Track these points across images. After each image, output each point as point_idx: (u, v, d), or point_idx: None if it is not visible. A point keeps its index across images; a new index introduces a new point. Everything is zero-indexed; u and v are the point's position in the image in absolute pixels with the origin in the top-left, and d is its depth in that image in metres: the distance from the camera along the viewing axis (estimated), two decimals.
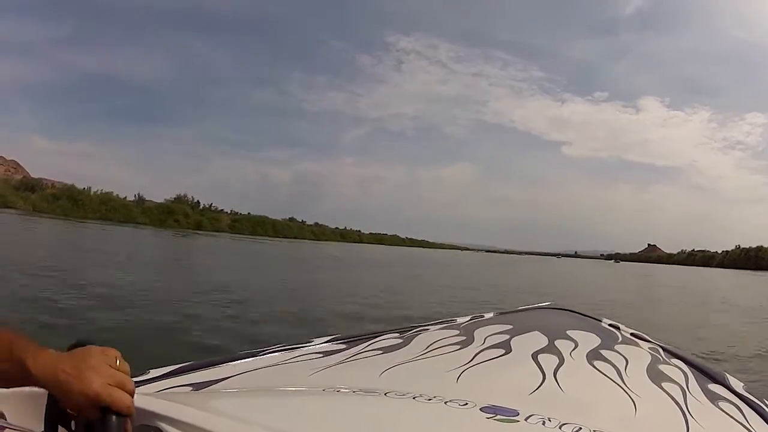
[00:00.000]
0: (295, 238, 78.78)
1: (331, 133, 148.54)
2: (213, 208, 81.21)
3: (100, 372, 0.68)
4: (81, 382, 0.66)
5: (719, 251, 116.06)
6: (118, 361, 0.73)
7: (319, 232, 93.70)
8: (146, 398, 0.90)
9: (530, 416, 0.97)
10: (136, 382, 1.09)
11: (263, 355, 1.51)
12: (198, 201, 78.66)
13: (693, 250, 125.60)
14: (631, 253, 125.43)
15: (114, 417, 0.68)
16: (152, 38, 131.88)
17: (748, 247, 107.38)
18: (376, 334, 1.75)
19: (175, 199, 74.53)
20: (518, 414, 0.98)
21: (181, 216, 69.22)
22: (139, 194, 73.02)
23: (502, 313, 2.11)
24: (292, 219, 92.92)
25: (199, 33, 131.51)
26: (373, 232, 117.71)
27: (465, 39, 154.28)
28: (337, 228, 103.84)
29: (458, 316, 2.01)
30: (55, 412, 0.73)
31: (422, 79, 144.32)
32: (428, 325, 1.91)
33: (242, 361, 1.44)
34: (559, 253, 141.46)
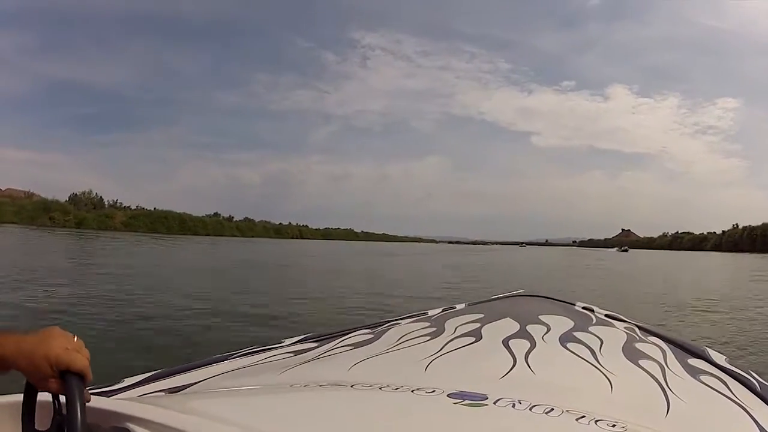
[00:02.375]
0: (210, 235, 68.71)
1: (299, 132, 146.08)
2: (119, 205, 71.53)
3: (59, 339, 0.77)
4: (43, 347, 0.75)
5: (708, 232, 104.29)
6: (75, 338, 0.80)
7: (247, 228, 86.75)
8: (116, 401, 0.92)
9: (499, 399, 0.98)
10: (108, 391, 1.21)
11: (235, 358, 1.52)
12: (101, 198, 72.46)
13: (677, 232, 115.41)
14: (605, 239, 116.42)
15: (74, 377, 0.76)
16: (119, 45, 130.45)
17: (749, 225, 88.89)
18: (347, 331, 1.76)
19: (70, 197, 67.19)
20: (487, 398, 0.98)
21: (59, 213, 60.67)
22: (29, 191, 66.86)
23: (473, 303, 2.14)
24: (216, 214, 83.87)
25: (166, 38, 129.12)
26: (342, 227, 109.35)
27: (430, 33, 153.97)
28: (281, 224, 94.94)
29: (430, 309, 2.03)
30: (30, 405, 0.81)
31: (388, 74, 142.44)
32: (399, 318, 1.93)
33: (215, 365, 1.45)
34: (528, 241, 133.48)
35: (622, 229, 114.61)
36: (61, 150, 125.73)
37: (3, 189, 70.71)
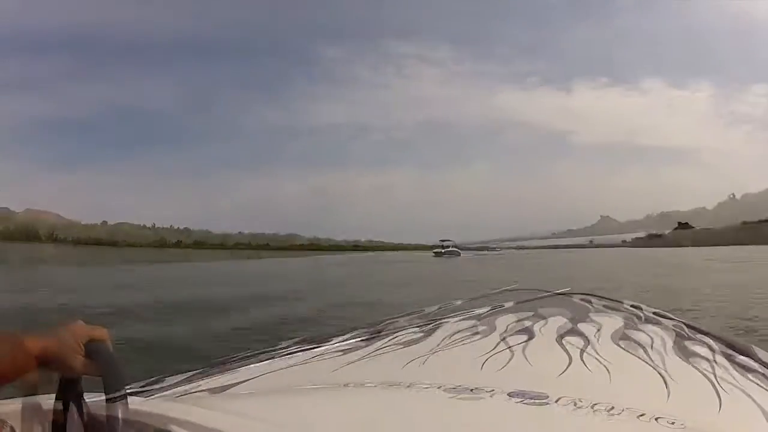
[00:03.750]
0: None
1: (338, 145, 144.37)
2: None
3: (78, 323, 0.86)
4: (67, 331, 0.83)
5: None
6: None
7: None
8: (157, 402, 0.93)
9: (560, 398, 0.97)
10: (149, 390, 1.18)
11: (281, 357, 1.50)
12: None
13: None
14: (660, 234, 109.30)
15: (99, 343, 0.82)
16: (161, 69, 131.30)
17: None
18: (396, 330, 1.75)
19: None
20: (548, 397, 0.97)
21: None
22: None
23: (521, 302, 2.12)
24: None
25: (200, 59, 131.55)
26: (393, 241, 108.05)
27: (462, 38, 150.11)
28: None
29: (478, 308, 2.03)
30: (65, 400, 0.84)
31: (423, 82, 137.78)
32: (449, 317, 1.92)
33: (260, 363, 1.43)
34: (571, 245, 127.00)
35: (679, 223, 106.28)
36: (98, 171, 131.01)
37: (36, 210, 75.65)
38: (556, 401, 0.96)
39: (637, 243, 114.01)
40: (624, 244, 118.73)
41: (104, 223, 79.87)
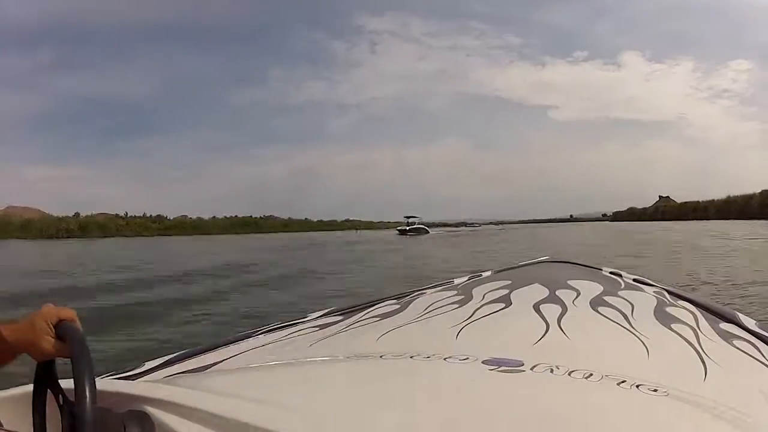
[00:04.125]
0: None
1: (316, 124, 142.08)
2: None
3: (47, 305, 0.86)
4: (36, 315, 0.84)
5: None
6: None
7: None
8: (131, 383, 0.91)
9: (536, 365, 0.95)
10: (129, 375, 1.19)
11: (259, 335, 1.50)
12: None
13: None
14: (643, 209, 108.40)
15: (66, 323, 0.83)
16: (131, 55, 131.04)
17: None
18: (372, 303, 1.74)
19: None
20: (523, 364, 0.95)
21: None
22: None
23: (499, 271, 2.12)
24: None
25: (176, 43, 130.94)
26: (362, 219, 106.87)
27: (436, 13, 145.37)
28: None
29: (456, 278, 2.02)
30: (41, 385, 0.85)
31: (399, 58, 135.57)
32: (425, 288, 1.91)
33: (238, 343, 1.43)
34: (550, 218, 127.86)
35: (660, 196, 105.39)
36: (85, 164, 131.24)
37: (19, 206, 74.68)
38: (532, 368, 0.94)
39: (618, 216, 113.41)
40: (604, 218, 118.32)
41: (77, 214, 77.53)
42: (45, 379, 0.84)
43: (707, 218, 72.71)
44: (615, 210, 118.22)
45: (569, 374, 0.91)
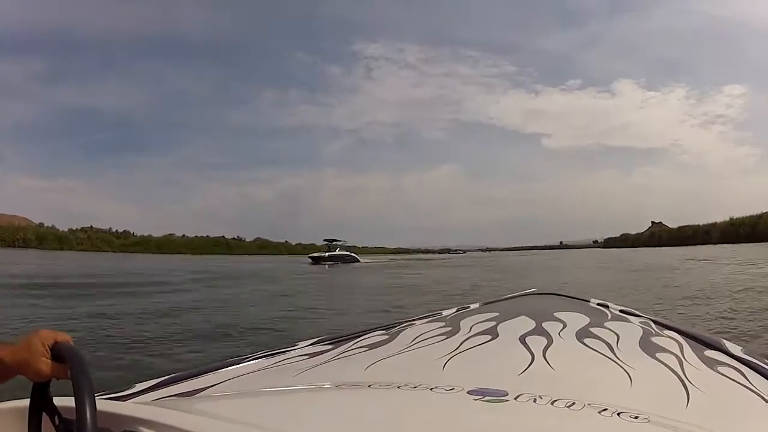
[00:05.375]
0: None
1: (309, 148, 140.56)
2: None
3: (41, 330, 0.89)
4: (32, 337, 0.87)
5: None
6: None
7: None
8: (125, 404, 0.93)
9: (520, 395, 0.97)
10: (119, 396, 1.20)
11: (249, 361, 1.51)
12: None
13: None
14: (636, 234, 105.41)
15: (63, 344, 0.86)
16: (126, 69, 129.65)
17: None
18: (361, 333, 1.75)
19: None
20: (507, 394, 0.98)
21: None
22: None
23: (487, 303, 2.14)
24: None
25: (171, 60, 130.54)
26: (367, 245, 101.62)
27: (432, 40, 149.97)
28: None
29: (444, 310, 2.03)
30: (37, 405, 0.87)
31: (394, 84, 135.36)
32: (414, 319, 1.93)
33: (228, 368, 1.44)
34: (538, 245, 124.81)
35: (653, 222, 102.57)
36: (75, 177, 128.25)
37: (8, 214, 70.79)
38: (516, 398, 0.96)
39: (609, 243, 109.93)
40: (595, 244, 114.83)
41: (52, 226, 74.12)
42: (41, 399, 0.87)
43: (709, 242, 68.94)
44: (606, 236, 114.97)
45: (552, 403, 0.94)
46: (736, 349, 1.44)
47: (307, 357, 1.51)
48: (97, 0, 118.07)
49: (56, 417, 0.85)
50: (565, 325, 1.60)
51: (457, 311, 1.97)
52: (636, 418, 0.88)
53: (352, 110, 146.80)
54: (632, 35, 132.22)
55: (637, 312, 1.87)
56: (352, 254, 45.80)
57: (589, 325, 1.62)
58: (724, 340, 1.52)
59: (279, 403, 1.05)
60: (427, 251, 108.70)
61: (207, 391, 1.26)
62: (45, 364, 0.84)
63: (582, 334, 1.52)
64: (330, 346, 1.61)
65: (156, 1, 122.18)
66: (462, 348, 1.43)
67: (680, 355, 1.36)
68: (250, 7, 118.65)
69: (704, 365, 1.31)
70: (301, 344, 1.67)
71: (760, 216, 68.19)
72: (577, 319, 1.67)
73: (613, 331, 1.55)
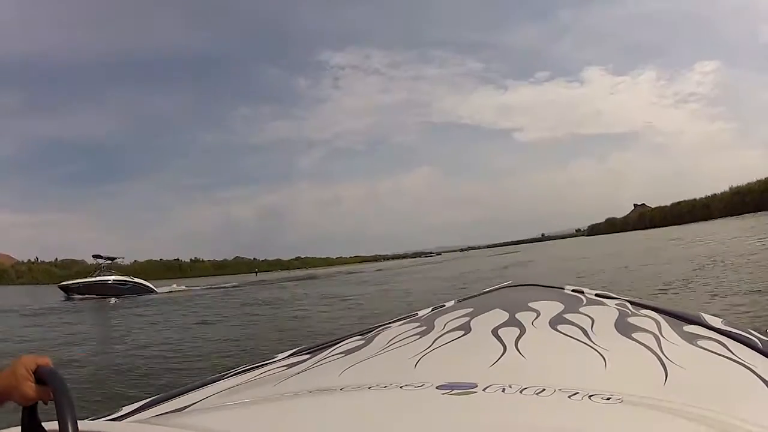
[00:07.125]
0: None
1: (284, 162, 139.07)
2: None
3: (22, 356, 0.93)
4: (15, 363, 0.91)
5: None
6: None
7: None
8: (113, 424, 0.97)
9: (489, 386, 0.99)
10: (108, 420, 1.20)
11: (230, 377, 1.54)
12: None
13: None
14: (623, 217, 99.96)
15: (44, 368, 0.89)
16: (98, 96, 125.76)
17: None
18: (338, 340, 1.76)
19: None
20: (476, 386, 1.00)
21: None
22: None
23: (462, 299, 2.16)
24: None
25: (140, 83, 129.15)
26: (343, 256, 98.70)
27: (399, 44, 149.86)
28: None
29: (419, 310, 2.04)
30: (28, 429, 0.88)
31: (362, 91, 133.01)
32: (390, 322, 1.94)
33: (210, 385, 1.47)
34: (519, 240, 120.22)
35: (635, 204, 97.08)
36: (55, 210, 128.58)
37: None
38: (484, 389, 0.98)
39: (594, 230, 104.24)
40: (578, 233, 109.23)
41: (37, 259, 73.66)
42: (30, 423, 0.89)
43: (712, 217, 61.11)
44: (590, 224, 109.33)
45: (521, 392, 0.95)
46: (716, 321, 1.45)
47: (285, 368, 1.54)
48: (66, 28, 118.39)
49: None
50: (538, 314, 1.62)
51: (432, 311, 2.00)
52: (608, 399, 0.89)
53: (323, 121, 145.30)
54: (601, 22, 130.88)
55: (612, 295, 1.90)
56: (144, 283, 29.67)
57: (564, 311, 1.64)
58: (703, 314, 1.52)
59: (256, 414, 1.08)
60: (400, 257, 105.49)
61: (193, 407, 1.28)
62: (30, 387, 0.88)
63: (556, 321, 1.54)
64: (308, 356, 1.64)
65: (123, 27, 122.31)
66: (434, 345, 1.45)
67: (657, 333, 1.37)
68: (220, 25, 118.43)
69: (683, 341, 1.32)
70: (279, 356, 1.69)
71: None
72: (551, 307, 1.69)
73: (588, 316, 1.57)
